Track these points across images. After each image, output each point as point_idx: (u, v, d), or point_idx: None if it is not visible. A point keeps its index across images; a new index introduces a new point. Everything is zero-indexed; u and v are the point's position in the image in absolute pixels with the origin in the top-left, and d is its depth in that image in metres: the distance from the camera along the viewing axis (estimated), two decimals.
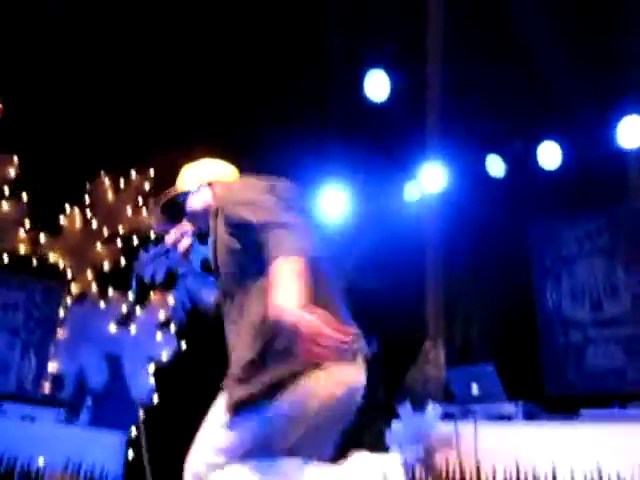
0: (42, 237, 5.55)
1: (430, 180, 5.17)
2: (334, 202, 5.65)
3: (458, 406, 3.52)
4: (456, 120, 4.25)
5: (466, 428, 3.33)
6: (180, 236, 2.10)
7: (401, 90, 4.52)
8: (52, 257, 5.51)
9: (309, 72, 4.30)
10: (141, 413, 4.99)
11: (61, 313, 5.38)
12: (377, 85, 4.56)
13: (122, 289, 5.44)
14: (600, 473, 2.75)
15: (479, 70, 4.00)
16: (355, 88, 4.55)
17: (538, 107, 4.34)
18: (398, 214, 5.26)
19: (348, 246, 5.54)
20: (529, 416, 3.18)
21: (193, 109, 5.05)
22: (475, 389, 3.47)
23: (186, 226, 2.13)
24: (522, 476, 2.98)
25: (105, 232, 5.62)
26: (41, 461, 3.99)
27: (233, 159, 5.64)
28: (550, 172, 4.90)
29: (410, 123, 4.63)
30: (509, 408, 3.22)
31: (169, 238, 2.11)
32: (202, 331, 5.43)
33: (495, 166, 5.08)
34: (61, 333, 5.29)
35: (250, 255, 1.78)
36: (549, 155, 4.82)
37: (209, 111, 5.03)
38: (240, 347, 1.84)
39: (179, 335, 5.35)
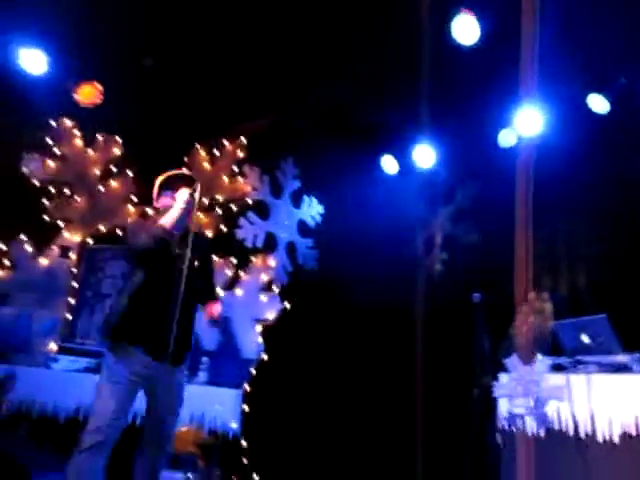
0: (149, 211, 5.91)
1: (526, 124, 4.94)
2: (426, 154, 5.55)
3: (568, 358, 3.45)
4: (555, 59, 4.00)
5: (578, 380, 3.27)
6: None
7: (493, 31, 4.31)
8: None
9: (396, 22, 4.18)
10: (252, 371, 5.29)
11: None
12: (466, 28, 4.37)
13: (225, 255, 5.72)
14: None
15: (578, 4, 3.73)
16: (444, 33, 4.38)
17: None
18: (494, 162, 5.10)
19: (443, 199, 5.46)
20: None
21: (276, 72, 5.09)
22: (586, 340, 3.38)
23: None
24: None
25: (205, 201, 5.89)
26: None
27: (323, 117, 5.63)
28: None
29: (503, 66, 4.42)
30: (624, 359, 3.12)
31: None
32: (304, 291, 5.64)
33: (597, 104, 4.77)
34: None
35: None
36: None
37: (295, 72, 5.05)
38: None
39: (283, 296, 5.57)
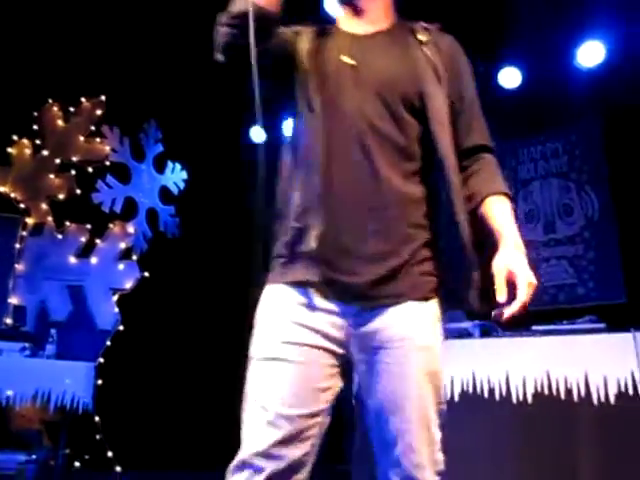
0: None
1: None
2: None
3: None
4: None
5: None
6: None
7: None
8: (3, 189, 5.34)
9: None
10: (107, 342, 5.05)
11: (17, 246, 5.28)
12: None
13: (79, 220, 5.36)
14: (549, 378, 2.98)
15: None
16: None
17: (498, 29, 4.27)
18: None
19: None
20: (485, 332, 3.36)
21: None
22: None
23: None
24: (478, 384, 3.19)
25: (57, 161, 5.45)
26: (10, 392, 4.03)
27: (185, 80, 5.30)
28: (508, 93, 4.91)
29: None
30: (466, 325, 3.39)
31: None
32: (163, 258, 5.45)
33: None
34: (19, 267, 5.22)
35: None
36: (508, 77, 4.82)
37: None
38: None
39: (141, 264, 5.36)
